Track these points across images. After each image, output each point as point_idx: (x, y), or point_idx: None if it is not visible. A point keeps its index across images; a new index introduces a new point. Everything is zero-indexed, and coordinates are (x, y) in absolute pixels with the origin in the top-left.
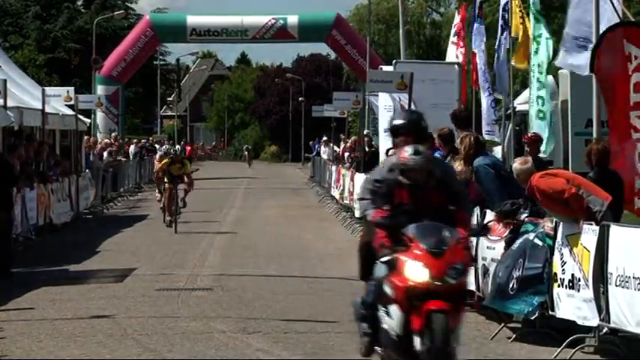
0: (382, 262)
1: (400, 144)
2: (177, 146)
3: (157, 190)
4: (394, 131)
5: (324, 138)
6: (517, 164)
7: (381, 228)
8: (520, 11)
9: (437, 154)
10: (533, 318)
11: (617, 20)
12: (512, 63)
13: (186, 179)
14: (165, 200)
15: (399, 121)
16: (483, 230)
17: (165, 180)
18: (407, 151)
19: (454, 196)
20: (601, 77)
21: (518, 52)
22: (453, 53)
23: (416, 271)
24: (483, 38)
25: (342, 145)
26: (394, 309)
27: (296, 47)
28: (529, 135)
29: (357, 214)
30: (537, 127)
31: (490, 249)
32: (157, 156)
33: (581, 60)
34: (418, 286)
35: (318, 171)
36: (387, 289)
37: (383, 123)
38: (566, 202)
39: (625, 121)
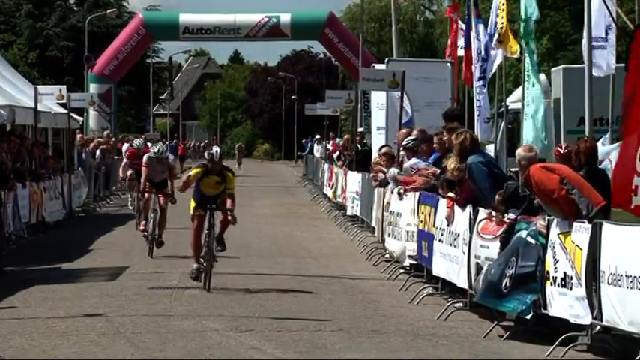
0: None
1: None
2: (215, 148)
3: (131, 201)
4: None
5: (317, 136)
6: (521, 150)
7: None
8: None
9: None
10: (526, 316)
11: (610, 20)
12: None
13: (228, 203)
14: (191, 238)
15: None
16: None
17: (194, 204)
18: None
19: None
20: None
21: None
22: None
23: None
24: (483, 36)
25: (332, 142)
26: None
27: (290, 45)
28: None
29: (350, 212)
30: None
31: (484, 247)
32: (145, 158)
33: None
34: None
35: (310, 169)
36: None
37: (376, 121)
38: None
39: None
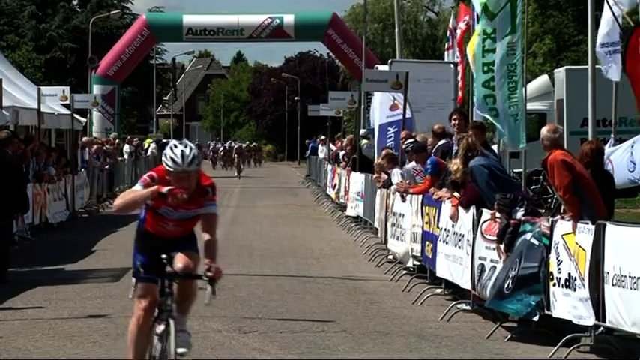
0: None
1: None
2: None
3: None
4: None
5: (321, 137)
6: (545, 130)
7: None
8: None
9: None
10: (530, 318)
11: (614, 23)
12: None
13: None
14: None
15: None
16: None
17: None
18: None
19: None
20: (630, 78)
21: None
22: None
23: None
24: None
25: (338, 143)
26: None
27: (293, 46)
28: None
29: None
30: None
31: (488, 249)
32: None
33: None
34: None
35: (313, 170)
36: None
37: (379, 121)
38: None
39: None
